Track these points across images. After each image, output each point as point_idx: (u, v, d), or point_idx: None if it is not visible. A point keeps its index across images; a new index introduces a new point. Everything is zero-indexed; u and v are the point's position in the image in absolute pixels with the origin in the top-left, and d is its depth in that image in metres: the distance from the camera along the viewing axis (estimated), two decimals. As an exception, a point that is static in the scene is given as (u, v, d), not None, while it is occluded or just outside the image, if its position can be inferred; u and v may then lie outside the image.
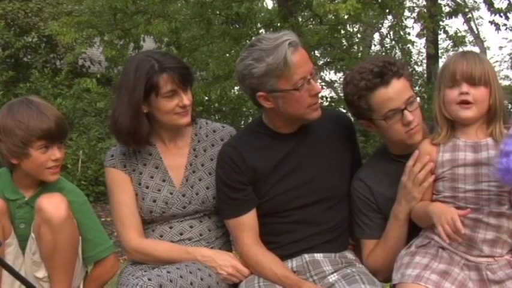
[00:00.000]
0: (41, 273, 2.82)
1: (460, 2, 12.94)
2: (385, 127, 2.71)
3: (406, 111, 2.66)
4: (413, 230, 2.70)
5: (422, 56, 20.77)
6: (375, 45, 21.23)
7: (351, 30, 16.19)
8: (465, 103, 2.53)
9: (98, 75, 12.30)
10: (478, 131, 2.57)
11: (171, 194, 2.93)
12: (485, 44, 22.69)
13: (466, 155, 2.55)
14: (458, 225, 2.43)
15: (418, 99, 2.75)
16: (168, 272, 2.65)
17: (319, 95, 2.81)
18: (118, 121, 2.86)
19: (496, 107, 2.55)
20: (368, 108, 2.70)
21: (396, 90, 2.66)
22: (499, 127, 2.55)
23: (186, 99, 2.83)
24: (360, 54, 15.43)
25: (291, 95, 2.70)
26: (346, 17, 9.43)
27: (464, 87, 2.52)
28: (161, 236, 2.94)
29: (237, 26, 12.17)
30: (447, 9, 12.00)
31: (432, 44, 12.70)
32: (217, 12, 11.90)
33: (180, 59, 3.07)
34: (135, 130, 2.85)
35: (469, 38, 19.93)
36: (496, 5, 11.03)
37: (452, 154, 2.57)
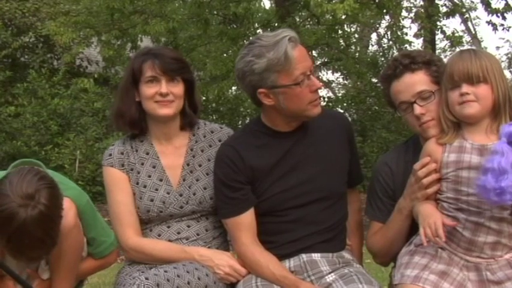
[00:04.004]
0: (45, 275, 2.81)
1: (458, 2, 12.95)
2: (404, 119, 2.79)
3: (415, 105, 2.69)
4: (417, 225, 2.69)
5: (419, 56, 20.73)
6: (372, 46, 21.21)
7: (348, 30, 16.19)
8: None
9: (95, 75, 12.31)
10: (488, 130, 2.54)
11: (168, 193, 2.93)
12: (483, 44, 22.74)
13: (472, 158, 2.52)
14: (440, 233, 2.45)
15: (436, 95, 2.69)
16: (166, 271, 2.65)
17: (319, 91, 2.82)
18: (113, 106, 3.04)
19: (499, 101, 2.52)
20: (389, 100, 2.82)
21: (406, 84, 2.72)
22: (506, 123, 2.52)
23: (166, 87, 2.86)
24: (357, 54, 15.44)
25: (292, 91, 2.70)
26: (343, 17, 9.42)
27: (464, 88, 2.51)
28: (159, 236, 2.94)
29: (235, 26, 12.16)
30: (444, 9, 11.99)
31: (429, 44, 12.67)
32: (215, 12, 11.89)
33: (174, 51, 3.12)
34: (122, 112, 2.94)
35: (466, 38, 19.91)
36: (493, 5, 11.05)
37: (457, 155, 2.55)
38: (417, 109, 2.68)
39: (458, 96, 2.53)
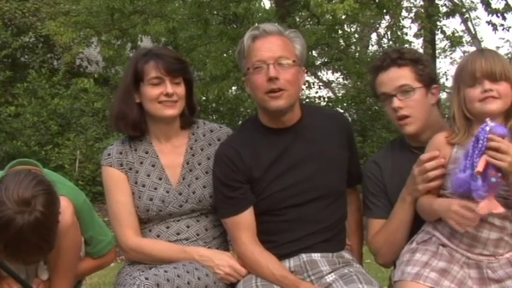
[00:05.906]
0: (45, 275, 2.81)
1: (458, 2, 12.95)
2: (385, 110, 2.88)
3: (394, 98, 2.78)
4: (421, 224, 2.71)
5: (419, 56, 20.67)
6: (372, 46, 21.25)
7: (348, 30, 16.20)
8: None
9: (95, 75, 12.33)
10: None
11: (168, 192, 2.93)
12: (483, 45, 22.67)
13: None
14: (471, 205, 2.43)
15: (417, 93, 2.79)
16: (166, 271, 2.65)
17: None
18: (113, 107, 3.02)
19: None
20: (374, 90, 2.91)
21: (390, 77, 2.81)
22: None
23: (171, 88, 2.87)
24: (357, 54, 15.45)
25: (250, 76, 2.79)
26: (343, 17, 9.43)
27: (487, 84, 2.52)
28: (158, 236, 2.93)
29: (235, 26, 12.16)
30: (444, 9, 12.01)
31: (429, 44, 12.70)
32: (215, 12, 11.90)
33: (174, 51, 3.13)
34: (124, 114, 2.94)
35: (466, 38, 19.92)
36: (493, 6, 11.07)
37: (466, 152, 2.53)
38: (395, 102, 2.77)
39: (480, 92, 2.53)
